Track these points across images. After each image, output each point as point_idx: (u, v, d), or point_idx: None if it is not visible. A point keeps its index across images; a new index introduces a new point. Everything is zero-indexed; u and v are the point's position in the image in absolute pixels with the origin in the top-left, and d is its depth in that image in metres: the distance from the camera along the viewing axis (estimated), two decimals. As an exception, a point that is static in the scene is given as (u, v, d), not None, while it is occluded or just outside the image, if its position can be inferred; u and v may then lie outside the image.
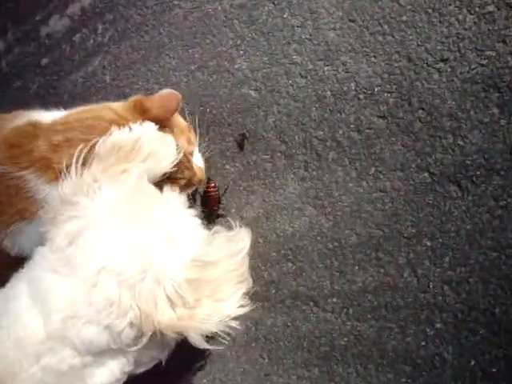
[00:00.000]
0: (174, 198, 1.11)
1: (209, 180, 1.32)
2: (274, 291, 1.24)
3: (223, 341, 1.02)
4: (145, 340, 0.95)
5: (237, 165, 1.32)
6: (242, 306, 1.05)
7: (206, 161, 1.32)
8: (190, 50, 1.41)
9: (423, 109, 1.07)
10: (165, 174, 1.10)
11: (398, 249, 1.10)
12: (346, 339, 1.15)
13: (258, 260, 1.26)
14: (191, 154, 1.21)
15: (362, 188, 1.14)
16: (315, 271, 1.19)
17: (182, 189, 1.20)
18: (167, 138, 1.10)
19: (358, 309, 1.14)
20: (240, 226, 1.16)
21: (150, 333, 0.95)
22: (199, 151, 1.28)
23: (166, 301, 0.95)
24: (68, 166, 1.01)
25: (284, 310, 1.23)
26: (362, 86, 1.14)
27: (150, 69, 1.48)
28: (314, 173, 1.20)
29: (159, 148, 1.07)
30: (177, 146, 1.11)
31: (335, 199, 1.17)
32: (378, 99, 1.13)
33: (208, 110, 1.37)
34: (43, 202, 1.06)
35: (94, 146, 1.02)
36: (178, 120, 1.21)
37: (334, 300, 1.17)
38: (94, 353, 0.95)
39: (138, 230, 0.98)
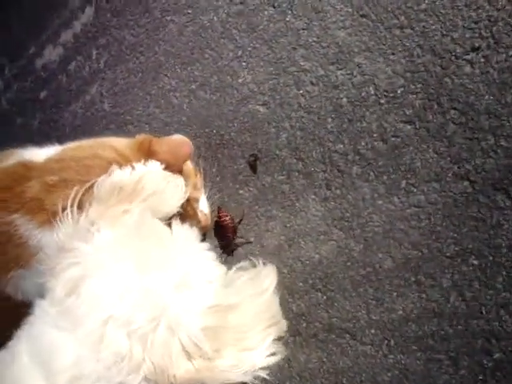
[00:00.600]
0: (185, 232, 0.96)
1: (219, 209, 1.19)
2: (304, 325, 1.11)
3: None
4: None
5: (251, 189, 1.18)
6: (272, 355, 0.87)
7: (218, 186, 1.21)
8: (188, 68, 1.29)
9: (456, 108, 0.93)
10: (169, 217, 0.98)
11: (440, 270, 0.96)
12: (389, 374, 1.02)
13: (285, 292, 1.12)
14: (197, 200, 1.10)
15: (393, 205, 1.00)
16: (348, 301, 1.05)
17: None
18: (174, 178, 0.99)
19: (400, 340, 1.00)
20: (264, 263, 0.98)
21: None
22: (205, 194, 1.16)
23: (182, 352, 0.81)
24: (63, 209, 0.92)
25: (318, 344, 1.09)
26: (383, 88, 1.00)
27: (149, 92, 1.37)
28: (338, 191, 1.06)
29: (164, 187, 0.96)
30: (183, 190, 0.99)
31: (364, 219, 1.03)
32: (403, 102, 0.98)
33: (214, 131, 1.24)
34: (38, 248, 0.97)
35: (91, 187, 0.92)
36: (186, 163, 1.09)
37: (373, 331, 1.03)
38: None
39: (147, 272, 0.84)
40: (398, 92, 0.98)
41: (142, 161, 0.97)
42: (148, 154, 1.01)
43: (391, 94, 0.99)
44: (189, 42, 1.30)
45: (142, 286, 0.83)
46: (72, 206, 0.90)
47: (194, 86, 1.28)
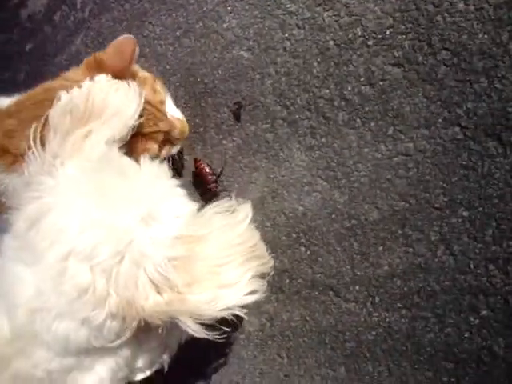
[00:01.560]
0: (153, 168, 0.90)
1: (195, 160, 1.13)
2: (287, 281, 1.05)
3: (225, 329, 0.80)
4: (128, 333, 0.77)
5: (235, 138, 1.12)
6: (252, 292, 0.81)
7: (201, 136, 1.15)
8: (173, 14, 1.22)
9: (447, 49, 0.86)
10: (134, 128, 0.91)
11: (428, 223, 0.90)
12: (374, 333, 0.96)
13: (267, 246, 1.06)
14: (161, 103, 1.02)
15: (379, 153, 0.93)
16: (333, 255, 0.99)
17: (165, 146, 1.04)
18: (121, 85, 0.92)
19: (385, 297, 0.94)
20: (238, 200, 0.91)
21: (134, 322, 0.76)
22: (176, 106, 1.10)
23: (150, 284, 0.76)
24: (29, 148, 0.87)
25: (301, 302, 1.04)
26: (371, 29, 0.93)
27: (134, 41, 1.31)
28: (323, 139, 1.00)
29: (114, 98, 0.89)
30: (137, 91, 0.93)
31: (350, 169, 0.97)
32: (391, 44, 0.91)
33: (199, 79, 1.17)
34: (4, 193, 0.94)
35: (47, 119, 0.86)
36: (139, 70, 1.03)
37: (357, 288, 0.97)
38: (74, 353, 0.78)
39: (111, 206, 0.79)
40: (387, 33, 0.91)
41: (89, 78, 0.92)
42: (97, 67, 0.96)
43: (379, 36, 0.92)
44: (174, -14, 1.24)
45: (105, 219, 0.77)
46: (34, 141, 0.86)
47: (178, 33, 1.21)
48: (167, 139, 1.04)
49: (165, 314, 0.77)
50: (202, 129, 1.15)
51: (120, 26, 1.33)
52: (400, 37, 0.90)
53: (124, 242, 0.76)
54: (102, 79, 0.92)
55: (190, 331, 0.77)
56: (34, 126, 0.86)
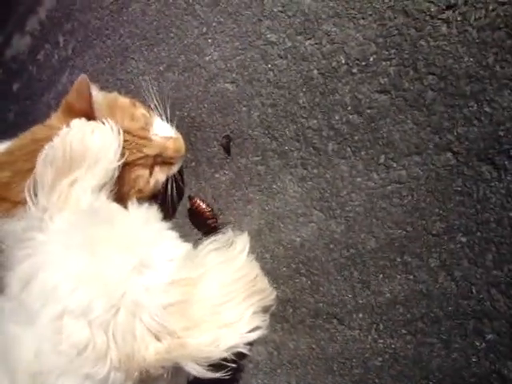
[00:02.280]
0: (142, 213, 0.87)
1: (189, 197, 1.11)
2: (291, 310, 1.03)
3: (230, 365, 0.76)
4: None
5: (227, 172, 1.10)
6: (255, 329, 0.78)
7: (194, 171, 1.13)
8: (155, 49, 1.19)
9: (433, 73, 0.82)
10: (119, 168, 0.90)
11: (427, 249, 0.87)
12: (380, 359, 0.94)
13: (268, 277, 1.05)
14: (142, 129, 1.00)
15: (372, 182, 0.91)
16: (333, 284, 0.97)
17: (162, 168, 1.02)
18: (95, 126, 0.90)
19: (389, 324, 0.92)
20: (232, 230, 0.89)
21: (136, 373, 0.74)
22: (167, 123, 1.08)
23: (148, 333, 0.74)
24: (24, 202, 0.86)
25: (306, 330, 1.02)
26: (354, 57, 0.90)
27: (119, 77, 1.28)
28: (315, 170, 0.97)
29: (92, 141, 0.87)
30: (114, 129, 0.91)
31: (344, 198, 0.94)
32: (376, 70, 0.88)
33: (185, 113, 1.15)
34: (7, 235, 0.92)
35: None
36: (114, 100, 1.02)
37: (360, 315, 0.95)
38: None
39: (102, 259, 0.77)
40: (371, 60, 0.88)
41: (65, 125, 0.91)
42: (69, 112, 0.96)
43: (363, 63, 0.88)
44: (153, 21, 1.20)
45: (96, 274, 0.75)
46: (29, 195, 0.84)
47: (161, 68, 1.19)
48: (161, 161, 1.02)
49: (166, 361, 0.75)
50: (193, 163, 1.13)
51: (104, 62, 1.30)
52: (384, 63, 0.87)
53: (117, 295, 0.74)
54: (76, 123, 0.90)
55: (194, 374, 0.75)
56: (28, 181, 0.85)
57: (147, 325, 0.74)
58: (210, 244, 0.85)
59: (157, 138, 1.01)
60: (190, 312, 0.76)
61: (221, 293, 0.78)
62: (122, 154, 0.91)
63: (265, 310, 0.82)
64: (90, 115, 0.95)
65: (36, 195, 0.85)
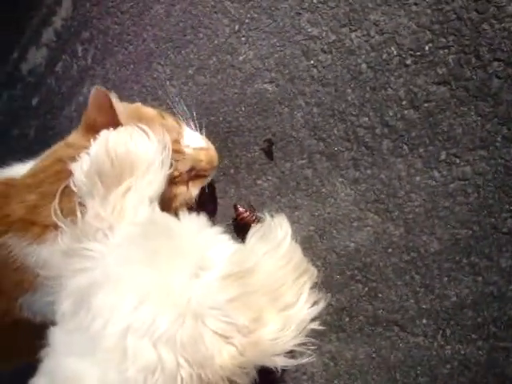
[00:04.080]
0: (194, 220, 0.84)
1: (235, 206, 1.04)
2: (347, 319, 0.97)
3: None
4: None
5: (270, 178, 1.03)
6: (316, 303, 0.76)
7: (233, 178, 1.07)
8: (182, 52, 1.12)
9: (499, 59, 0.76)
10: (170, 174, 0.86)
11: (496, 249, 0.80)
12: (448, 366, 0.88)
13: (321, 286, 0.99)
14: (175, 142, 0.94)
15: (433, 180, 0.84)
16: (393, 290, 0.91)
17: (196, 181, 0.96)
18: (131, 131, 0.86)
19: (457, 329, 0.86)
20: (271, 215, 0.83)
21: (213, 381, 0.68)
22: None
23: (217, 338, 0.69)
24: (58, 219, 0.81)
25: (364, 339, 0.96)
26: (407, 47, 0.83)
27: (144, 84, 1.21)
28: (368, 171, 0.90)
29: (135, 146, 0.83)
30: (158, 133, 0.86)
31: (401, 199, 0.87)
32: (433, 60, 0.81)
33: (221, 118, 1.08)
34: (38, 266, 0.88)
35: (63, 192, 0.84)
36: (140, 111, 0.97)
37: (424, 321, 0.89)
38: None
39: (162, 272, 0.73)
40: (426, 49, 0.81)
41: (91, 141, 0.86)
42: (93, 128, 0.91)
43: (418, 53, 0.82)
44: (179, 22, 1.13)
45: (158, 286, 0.71)
46: (57, 216, 0.80)
47: (191, 71, 1.12)
48: (196, 174, 0.96)
49: (243, 363, 0.69)
50: (232, 170, 1.06)
51: (127, 70, 1.24)
52: (442, 52, 0.80)
53: (182, 305, 0.69)
54: (109, 134, 0.85)
55: (279, 366, 0.69)
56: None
57: (214, 327, 0.69)
58: (254, 235, 0.81)
59: (189, 151, 0.95)
60: (251, 302, 0.71)
61: (274, 279, 0.74)
62: (170, 164, 0.86)
63: (313, 286, 0.79)
64: (116, 127, 0.89)
65: (65, 213, 0.80)
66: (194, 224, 0.83)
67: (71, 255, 0.78)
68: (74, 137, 0.94)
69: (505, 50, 0.75)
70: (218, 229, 0.83)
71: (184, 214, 0.83)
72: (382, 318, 0.94)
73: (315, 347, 0.75)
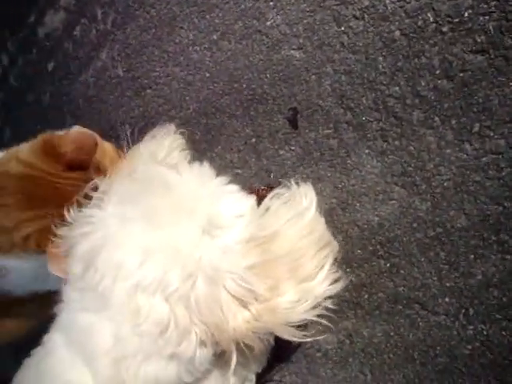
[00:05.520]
0: (195, 171, 0.81)
1: (250, 188, 1.03)
2: (366, 296, 0.96)
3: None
4: (234, 358, 0.71)
5: (293, 148, 1.02)
6: (335, 282, 0.76)
7: (254, 148, 1.05)
8: (207, 16, 1.10)
9: (543, 28, 0.75)
10: None
11: (528, 226, 0.80)
12: (469, 347, 0.87)
13: (341, 261, 0.97)
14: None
15: (464, 153, 0.82)
16: (416, 267, 0.90)
17: None
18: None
19: (480, 308, 0.84)
20: (297, 183, 0.82)
21: (232, 347, 0.70)
22: None
23: (233, 301, 0.69)
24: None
25: (383, 317, 0.95)
26: (444, 13, 0.81)
27: (166, 49, 1.19)
28: (396, 142, 0.89)
29: None
30: None
31: (430, 173, 0.86)
32: (472, 28, 0.79)
33: (244, 85, 1.07)
34: None
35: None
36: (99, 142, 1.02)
37: (447, 300, 0.88)
38: None
39: (167, 226, 0.72)
40: (465, 15, 0.79)
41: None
42: (52, 154, 0.95)
43: (456, 19, 0.79)
44: (204, -16, 1.12)
45: (165, 242, 0.70)
46: None
47: (215, 37, 1.10)
48: None
49: (257, 328, 0.70)
50: (253, 139, 1.05)
51: (148, 34, 1.22)
52: (482, 18, 0.78)
53: (193, 262, 0.69)
54: None
55: (289, 338, 0.71)
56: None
57: (232, 291, 0.69)
58: (276, 199, 0.79)
59: None
60: (272, 270, 0.71)
61: (296, 248, 0.74)
62: None
63: (334, 262, 0.77)
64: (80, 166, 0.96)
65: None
66: (196, 175, 0.81)
67: (79, 221, 0.79)
68: (29, 155, 0.97)
69: (549, 17, 0.73)
70: (223, 179, 0.80)
71: (184, 165, 0.82)
72: (403, 296, 0.93)
73: (330, 324, 0.75)
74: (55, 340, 0.78)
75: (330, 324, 0.75)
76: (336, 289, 0.75)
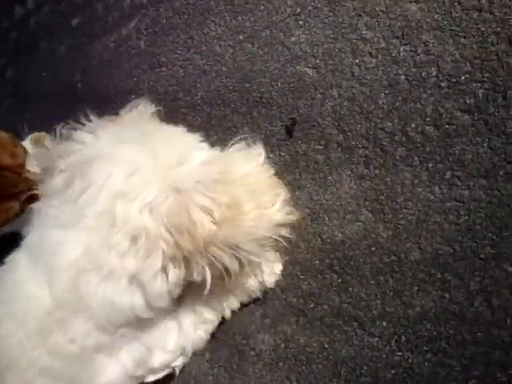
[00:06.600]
0: (178, 128, 0.97)
1: None
2: (312, 305, 1.05)
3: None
4: (209, 277, 0.80)
5: (283, 154, 1.13)
6: (288, 214, 0.89)
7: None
8: (239, 17, 1.22)
9: (522, 105, 0.90)
10: None
11: (470, 272, 0.91)
12: (393, 372, 0.97)
13: (297, 267, 1.07)
14: (20, 166, 1.11)
15: (433, 194, 0.95)
16: (365, 288, 1.00)
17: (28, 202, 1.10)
18: None
19: (412, 338, 0.95)
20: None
21: (204, 263, 0.79)
22: None
23: (199, 209, 0.79)
24: None
25: (322, 328, 1.04)
26: (446, 72, 0.95)
27: (192, 36, 1.30)
28: (377, 171, 1.01)
29: None
30: None
31: (399, 205, 0.98)
32: (465, 89, 0.93)
33: (255, 87, 1.18)
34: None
35: None
36: None
37: (384, 324, 0.98)
38: (114, 326, 0.79)
39: (151, 151, 0.84)
40: (462, 78, 0.93)
41: None
42: None
43: (454, 79, 0.94)
44: (246, -11, 1.25)
45: (149, 162, 0.81)
46: None
47: (241, 37, 1.22)
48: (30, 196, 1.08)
49: (221, 236, 0.80)
50: (248, 137, 1.14)
51: (180, 18, 1.33)
52: (475, 84, 0.92)
53: (168, 180, 0.80)
54: None
55: (249, 256, 0.83)
56: None
57: (198, 200, 0.79)
58: (232, 145, 0.92)
59: (30, 175, 1.08)
60: (232, 190, 0.83)
61: (251, 178, 0.87)
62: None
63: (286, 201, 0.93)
64: None
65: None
66: (179, 129, 0.96)
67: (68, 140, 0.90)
68: None
69: (530, 98, 0.88)
70: (199, 136, 0.95)
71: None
72: (345, 312, 1.03)
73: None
74: (18, 259, 0.85)
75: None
76: (288, 219, 0.89)
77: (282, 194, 0.90)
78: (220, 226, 0.78)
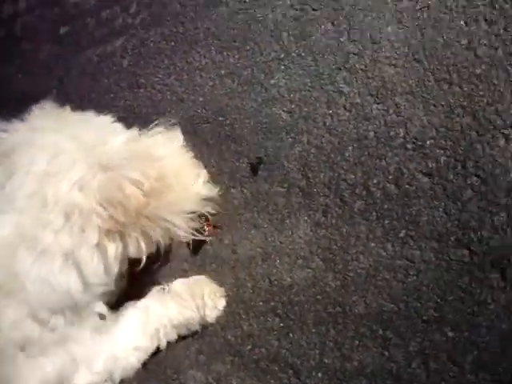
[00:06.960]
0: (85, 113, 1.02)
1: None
2: (249, 347, 1.04)
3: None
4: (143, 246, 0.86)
5: (245, 191, 1.14)
6: (210, 189, 1.02)
7: (213, 178, 1.14)
8: (224, 53, 1.26)
9: (479, 176, 0.93)
10: None
11: (411, 332, 0.92)
12: (320, 426, 0.96)
13: (240, 306, 1.06)
14: None
15: (385, 251, 0.97)
16: (305, 335, 1.00)
17: None
18: None
19: (346, 393, 0.95)
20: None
21: (126, 225, 0.83)
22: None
23: (130, 182, 0.83)
24: None
25: (256, 372, 1.02)
26: (413, 135, 1.00)
27: (175, 63, 1.33)
28: (333, 221, 1.03)
29: None
30: None
31: (350, 257, 1.00)
32: (428, 154, 0.98)
33: (228, 121, 1.21)
34: None
35: None
36: None
37: (320, 375, 0.97)
38: (46, 311, 0.78)
39: (75, 131, 0.89)
40: (427, 143, 0.98)
41: None
42: None
43: (419, 143, 0.99)
44: (235, 28, 1.28)
45: (67, 145, 0.85)
46: None
47: (223, 72, 1.25)
48: None
49: (151, 212, 0.85)
50: (213, 169, 1.16)
51: (167, 44, 1.36)
52: (438, 151, 0.97)
53: (94, 157, 0.84)
54: None
55: (177, 231, 0.90)
56: None
57: (126, 173, 0.84)
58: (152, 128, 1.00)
59: None
60: (156, 167, 0.89)
61: (172, 160, 0.95)
62: None
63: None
64: None
65: None
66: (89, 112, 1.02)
67: None
68: None
69: (486, 170, 0.92)
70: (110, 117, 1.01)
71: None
72: (282, 358, 1.01)
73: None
74: None
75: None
76: (211, 193, 1.01)
77: (202, 174, 1.01)
78: (149, 197, 0.84)
